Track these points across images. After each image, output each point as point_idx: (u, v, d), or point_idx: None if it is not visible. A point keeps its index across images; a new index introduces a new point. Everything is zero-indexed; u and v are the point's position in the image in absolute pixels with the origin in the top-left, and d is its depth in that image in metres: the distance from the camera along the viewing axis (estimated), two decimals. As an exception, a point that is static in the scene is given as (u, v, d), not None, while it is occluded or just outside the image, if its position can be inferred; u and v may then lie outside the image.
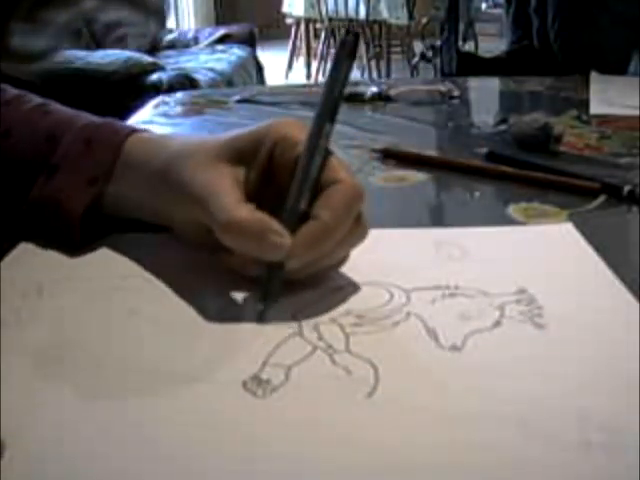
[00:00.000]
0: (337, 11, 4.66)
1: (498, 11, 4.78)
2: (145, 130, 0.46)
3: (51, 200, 0.43)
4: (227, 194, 0.37)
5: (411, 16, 4.79)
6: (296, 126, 0.40)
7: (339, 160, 0.38)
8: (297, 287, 0.38)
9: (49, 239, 0.43)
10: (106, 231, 0.44)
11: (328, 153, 0.38)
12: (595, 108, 0.81)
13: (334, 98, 0.38)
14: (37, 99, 0.49)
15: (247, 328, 0.35)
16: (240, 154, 0.39)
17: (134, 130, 0.45)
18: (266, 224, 0.35)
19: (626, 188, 0.52)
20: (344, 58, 0.38)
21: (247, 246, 0.36)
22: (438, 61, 1.52)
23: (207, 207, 0.37)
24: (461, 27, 2.00)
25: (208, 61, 3.36)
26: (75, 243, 0.43)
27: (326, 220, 0.36)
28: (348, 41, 0.38)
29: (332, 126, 0.38)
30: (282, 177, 0.38)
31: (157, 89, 2.39)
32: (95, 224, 0.44)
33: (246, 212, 0.36)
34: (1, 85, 0.49)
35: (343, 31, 4.99)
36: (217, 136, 0.41)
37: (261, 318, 0.35)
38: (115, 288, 0.39)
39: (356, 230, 0.37)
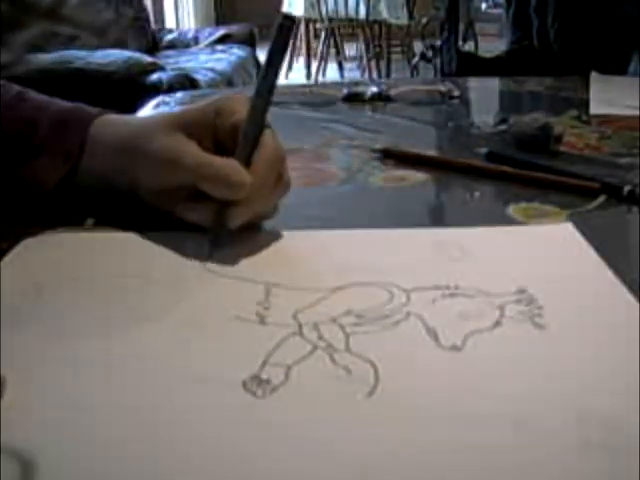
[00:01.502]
0: (337, 11, 4.66)
1: (498, 11, 4.78)
2: (111, 112, 0.51)
3: (35, 178, 0.48)
4: (193, 149, 0.44)
5: (411, 16, 4.79)
6: (235, 99, 0.46)
7: (270, 129, 0.45)
8: (298, 283, 0.38)
9: (26, 213, 0.47)
10: (80, 203, 0.49)
11: (264, 123, 0.44)
12: (595, 108, 0.81)
13: (270, 80, 0.44)
14: (15, 87, 0.54)
15: (247, 328, 0.35)
16: (190, 125, 0.45)
17: (101, 112, 0.50)
18: (230, 164, 0.42)
19: (626, 188, 0.52)
20: (281, 41, 0.43)
21: (214, 186, 0.42)
22: (438, 61, 1.52)
23: (178, 163, 0.43)
24: (461, 27, 2.00)
25: (208, 61, 3.36)
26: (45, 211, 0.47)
27: (254, 184, 0.42)
28: (286, 25, 0.43)
29: (269, 101, 0.44)
30: (225, 142, 0.45)
31: (157, 89, 2.39)
32: (69, 196, 0.48)
33: (211, 156, 0.43)
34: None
35: (343, 31, 5.00)
36: (171, 111, 0.48)
37: (210, 256, 0.41)
38: (115, 287, 0.39)
39: (280, 186, 0.45)
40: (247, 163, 0.43)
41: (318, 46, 5.03)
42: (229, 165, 0.42)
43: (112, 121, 0.50)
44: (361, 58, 5.03)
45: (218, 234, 0.43)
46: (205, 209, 0.43)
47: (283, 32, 0.43)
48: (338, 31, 4.95)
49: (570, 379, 0.31)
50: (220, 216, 0.42)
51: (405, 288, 0.38)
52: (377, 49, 4.96)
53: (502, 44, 1.68)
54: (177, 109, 0.48)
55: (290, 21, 0.43)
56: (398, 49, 5.13)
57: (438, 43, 1.67)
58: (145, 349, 0.33)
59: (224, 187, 0.42)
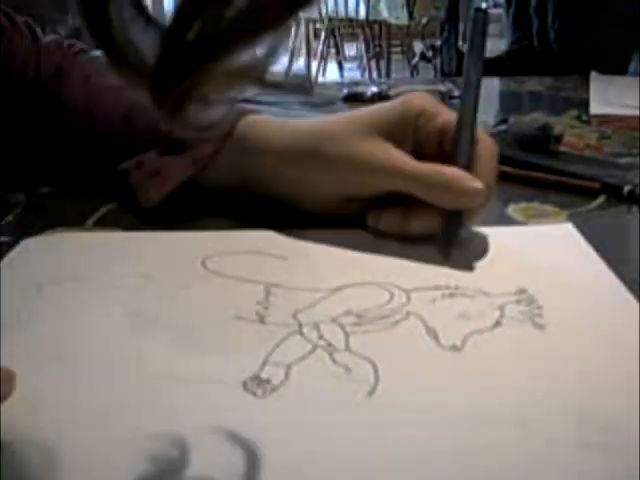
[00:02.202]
0: (337, 11, 4.66)
1: (498, 11, 4.77)
2: (250, 111, 0.49)
3: (154, 169, 0.48)
4: (404, 156, 0.42)
5: (411, 16, 4.79)
6: (429, 99, 0.44)
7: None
8: (298, 283, 0.38)
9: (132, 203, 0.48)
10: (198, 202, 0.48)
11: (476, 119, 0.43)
12: (595, 108, 0.81)
13: (477, 70, 0.43)
14: None
15: (247, 327, 0.35)
16: (390, 129, 0.43)
17: (242, 111, 0.48)
18: (459, 172, 0.40)
19: (626, 188, 0.52)
20: (480, 29, 0.42)
21: (444, 196, 0.40)
22: (438, 61, 1.52)
23: (395, 170, 0.41)
24: (461, 27, 2.00)
25: (208, 61, 3.36)
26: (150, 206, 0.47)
27: (486, 182, 0.41)
28: (479, 17, 0.42)
29: (479, 93, 0.43)
30: (427, 145, 0.43)
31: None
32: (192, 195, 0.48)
33: (433, 165, 0.41)
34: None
35: (343, 31, 5.00)
36: (355, 114, 0.44)
37: (446, 257, 0.41)
38: (115, 288, 0.39)
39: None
40: (470, 165, 0.41)
41: (318, 46, 5.03)
42: (458, 173, 0.40)
43: (268, 121, 0.48)
44: (361, 58, 5.03)
45: (453, 235, 0.42)
46: (429, 215, 0.42)
47: (479, 23, 0.42)
48: (338, 31, 4.96)
49: (570, 379, 0.31)
50: (454, 217, 0.41)
51: (405, 288, 0.38)
52: (377, 49, 4.96)
53: (502, 44, 1.68)
54: (365, 110, 0.44)
55: (483, 13, 0.42)
56: (398, 49, 5.13)
57: (438, 43, 1.67)
58: (145, 349, 0.33)
59: (459, 196, 0.40)
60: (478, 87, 0.43)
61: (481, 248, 0.43)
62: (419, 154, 0.43)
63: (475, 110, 0.43)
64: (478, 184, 0.40)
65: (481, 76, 0.43)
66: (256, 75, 0.22)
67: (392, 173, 0.42)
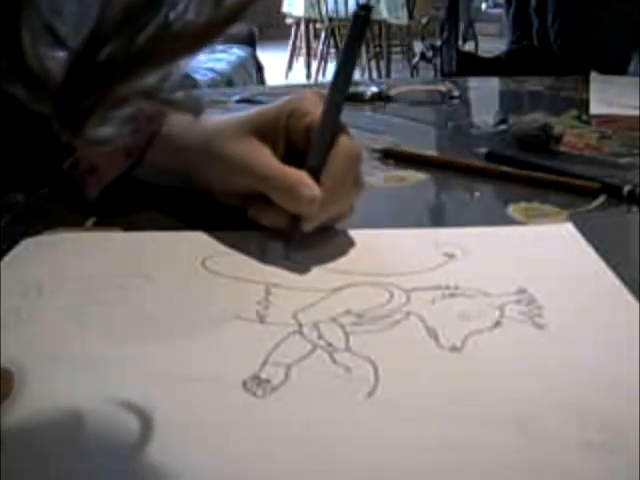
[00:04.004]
0: (337, 11, 4.66)
1: (498, 11, 4.78)
2: None
3: (91, 165, 0.49)
4: (264, 156, 0.43)
5: (411, 16, 4.79)
6: (307, 99, 0.45)
7: (341, 124, 0.43)
8: (298, 283, 0.38)
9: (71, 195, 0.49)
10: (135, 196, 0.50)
11: (339, 122, 0.43)
12: (595, 108, 0.81)
13: (346, 72, 0.42)
14: None
15: (247, 327, 0.35)
16: (264, 128, 0.44)
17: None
18: (300, 178, 0.41)
19: (626, 188, 0.52)
20: (357, 33, 0.41)
21: (283, 199, 0.41)
22: (438, 61, 1.52)
23: (248, 170, 0.43)
24: (461, 27, 1.99)
25: (208, 61, 3.36)
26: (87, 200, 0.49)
27: (329, 187, 0.41)
28: (361, 16, 0.41)
29: (345, 95, 0.43)
30: (298, 144, 0.44)
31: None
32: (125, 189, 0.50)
33: (283, 167, 0.42)
34: None
35: (343, 31, 5.00)
36: (244, 114, 0.46)
37: (287, 257, 0.41)
38: (115, 287, 0.39)
39: (356, 186, 0.43)
40: (321, 165, 0.42)
41: (318, 46, 5.03)
42: (299, 178, 0.41)
43: (188, 120, 0.49)
44: (361, 58, 5.02)
45: (293, 237, 0.42)
46: (278, 213, 0.42)
47: (359, 22, 0.41)
48: (338, 31, 4.95)
49: (570, 379, 0.31)
50: (295, 220, 0.42)
51: (405, 288, 0.38)
52: (377, 49, 4.96)
53: (502, 44, 1.68)
54: (251, 110, 0.46)
55: (366, 11, 0.41)
56: (398, 49, 5.13)
57: (438, 43, 1.67)
58: (145, 349, 0.33)
59: (294, 201, 0.41)
60: (345, 91, 0.43)
61: (477, 249, 0.43)
62: (293, 153, 0.44)
63: (338, 112, 0.42)
64: (314, 192, 0.40)
65: (350, 78, 0.42)
66: (152, 94, 0.22)
67: (247, 173, 0.43)
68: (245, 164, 0.43)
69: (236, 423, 0.28)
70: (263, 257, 0.42)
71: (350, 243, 0.44)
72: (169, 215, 0.49)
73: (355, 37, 0.41)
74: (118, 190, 0.49)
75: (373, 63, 4.91)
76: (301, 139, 0.44)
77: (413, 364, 0.32)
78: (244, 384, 0.30)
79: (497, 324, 0.35)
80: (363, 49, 4.86)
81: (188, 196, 0.50)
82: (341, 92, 0.42)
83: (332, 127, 0.42)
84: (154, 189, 0.51)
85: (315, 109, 0.43)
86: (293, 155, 0.44)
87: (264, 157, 0.43)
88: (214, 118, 0.49)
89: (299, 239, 0.42)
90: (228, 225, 0.46)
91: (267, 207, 0.43)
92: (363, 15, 0.40)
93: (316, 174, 0.41)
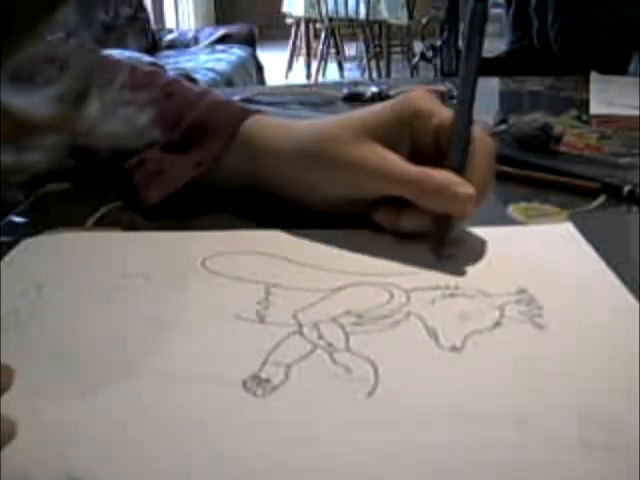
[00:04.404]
0: (337, 11, 4.66)
1: (498, 11, 4.77)
2: (255, 111, 0.50)
3: (157, 169, 0.48)
4: (398, 161, 0.42)
5: (411, 16, 4.79)
6: (425, 98, 0.44)
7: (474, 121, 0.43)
8: (298, 283, 0.38)
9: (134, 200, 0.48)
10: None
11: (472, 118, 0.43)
12: (595, 108, 0.81)
13: (473, 67, 0.43)
14: (165, 78, 0.54)
15: (247, 327, 0.35)
16: (383, 132, 0.43)
17: (247, 112, 0.49)
18: (450, 178, 0.40)
19: (626, 188, 0.52)
20: (476, 26, 0.42)
21: (435, 201, 0.40)
22: (438, 61, 1.52)
23: (386, 176, 0.41)
24: (461, 27, 1.99)
25: (208, 61, 3.36)
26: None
27: (478, 183, 0.40)
28: (478, 9, 0.41)
29: (475, 92, 0.43)
30: (425, 147, 0.43)
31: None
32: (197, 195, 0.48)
33: (425, 170, 0.41)
34: (134, 64, 0.56)
35: (343, 31, 5.00)
36: (352, 116, 0.44)
37: (440, 258, 0.41)
38: (115, 287, 0.39)
39: (492, 182, 0.43)
40: (463, 163, 0.41)
41: (318, 46, 5.03)
42: (449, 178, 0.40)
43: (271, 123, 0.48)
44: (361, 58, 5.03)
45: (446, 238, 0.41)
46: (419, 215, 0.41)
47: (477, 15, 0.41)
48: (338, 31, 4.96)
49: (570, 379, 0.31)
50: (446, 220, 0.41)
51: (405, 288, 0.38)
52: (377, 49, 4.96)
53: (502, 44, 1.68)
54: (362, 112, 0.44)
55: (482, 3, 0.41)
56: (398, 49, 5.14)
57: (438, 43, 1.67)
58: (145, 349, 0.33)
59: (448, 201, 0.40)
60: (474, 86, 0.43)
61: (477, 249, 0.43)
62: (417, 155, 0.43)
63: (470, 109, 0.42)
64: (469, 189, 0.40)
65: (477, 75, 0.43)
66: (67, 126, 0.22)
67: (383, 178, 0.42)
68: (382, 169, 0.42)
69: (236, 423, 0.28)
70: (272, 255, 0.42)
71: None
72: (238, 216, 0.48)
73: (475, 30, 0.41)
74: (183, 196, 0.48)
75: (373, 63, 4.91)
76: (429, 141, 0.43)
77: (413, 364, 0.32)
78: (244, 384, 0.30)
79: (497, 324, 0.35)
80: (363, 49, 4.87)
81: (248, 199, 0.48)
82: (470, 87, 0.43)
83: (468, 124, 0.42)
84: (222, 194, 0.49)
85: (439, 108, 0.43)
86: (417, 158, 0.43)
87: (398, 161, 0.42)
88: (297, 122, 0.48)
89: (450, 239, 0.42)
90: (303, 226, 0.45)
91: (404, 210, 0.42)
92: (481, 8, 0.41)
93: (459, 173, 0.41)
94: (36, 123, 0.21)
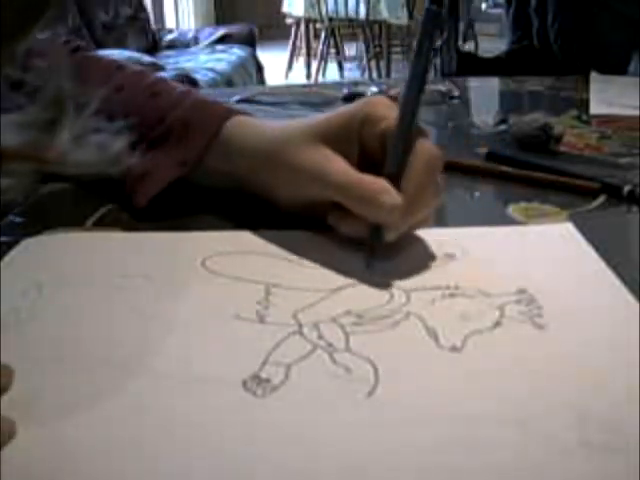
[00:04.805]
0: (337, 11, 4.66)
1: (498, 11, 4.79)
2: (238, 111, 0.50)
3: (143, 171, 0.48)
4: (340, 165, 0.42)
5: (411, 16, 4.79)
6: (380, 104, 0.43)
7: (419, 127, 0.42)
8: (298, 283, 0.38)
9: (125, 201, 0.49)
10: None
11: (415, 125, 0.41)
12: (595, 108, 0.81)
13: (420, 71, 0.41)
14: (151, 78, 0.54)
15: (247, 327, 0.35)
16: (335, 136, 0.43)
17: (230, 112, 0.50)
18: (380, 185, 0.40)
19: (626, 188, 0.52)
20: (428, 29, 0.40)
21: (363, 208, 0.40)
22: (438, 61, 1.52)
23: (324, 180, 0.41)
24: (461, 27, 1.99)
25: (208, 61, 3.37)
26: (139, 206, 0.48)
27: (411, 194, 0.40)
28: (432, 11, 0.40)
29: (420, 97, 0.41)
30: (374, 152, 0.43)
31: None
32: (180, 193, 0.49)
33: (360, 176, 0.41)
34: (122, 64, 0.56)
35: (343, 31, 5.00)
36: (310, 120, 0.45)
37: (369, 267, 0.40)
38: (115, 287, 0.39)
39: (436, 193, 0.42)
40: (400, 171, 0.40)
41: (318, 46, 5.03)
42: (379, 186, 0.39)
43: (247, 123, 0.49)
44: (361, 58, 5.03)
45: (376, 247, 0.40)
46: (358, 222, 0.41)
47: (430, 17, 0.40)
48: (338, 31, 4.96)
49: (570, 379, 0.31)
50: (377, 229, 0.40)
51: (405, 288, 0.38)
52: (377, 49, 4.96)
53: (502, 44, 1.68)
54: (319, 117, 0.45)
55: (437, 5, 0.40)
56: (398, 49, 5.14)
57: (438, 43, 1.67)
58: (145, 349, 0.33)
59: (374, 210, 0.39)
60: (420, 91, 0.41)
61: (477, 249, 0.43)
62: (367, 160, 0.43)
63: (413, 115, 0.41)
64: (395, 199, 0.39)
65: (425, 79, 0.41)
66: (38, 154, 0.22)
67: (321, 182, 0.42)
68: (319, 174, 0.42)
69: (236, 423, 0.28)
70: (272, 255, 0.42)
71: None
72: (223, 218, 0.48)
73: (427, 33, 0.40)
74: (172, 195, 0.48)
75: (373, 63, 4.91)
76: (376, 146, 0.42)
77: (413, 364, 0.32)
78: (244, 384, 0.30)
79: (497, 324, 0.35)
80: (363, 49, 4.87)
81: (240, 199, 0.49)
82: (416, 93, 0.41)
83: (409, 130, 0.41)
84: (207, 192, 0.50)
85: (390, 113, 0.42)
86: (367, 163, 0.42)
87: (339, 166, 0.42)
88: (272, 123, 0.48)
89: (381, 249, 0.40)
90: (271, 224, 0.45)
91: (347, 216, 0.41)
92: (434, 10, 0.40)
93: (395, 181, 0.40)
94: (5, 150, 0.21)
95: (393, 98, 0.45)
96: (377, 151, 0.42)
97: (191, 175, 0.48)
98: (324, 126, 0.44)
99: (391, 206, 0.39)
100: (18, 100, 0.23)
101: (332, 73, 5.08)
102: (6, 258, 0.42)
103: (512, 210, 0.50)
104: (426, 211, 0.42)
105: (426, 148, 0.41)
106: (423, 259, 0.42)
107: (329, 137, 0.43)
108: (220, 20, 6.02)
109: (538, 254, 0.43)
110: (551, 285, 0.39)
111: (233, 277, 0.40)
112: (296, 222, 0.45)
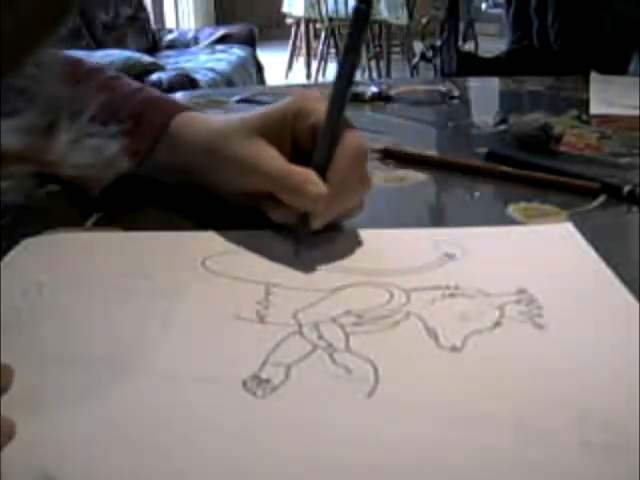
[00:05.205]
0: (337, 11, 4.66)
1: (498, 11, 4.79)
2: (189, 108, 0.53)
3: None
4: (271, 157, 0.43)
5: (411, 16, 4.79)
6: (311, 98, 0.45)
7: (347, 120, 0.43)
8: (298, 283, 0.38)
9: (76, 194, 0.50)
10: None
11: (343, 119, 0.43)
12: (595, 108, 0.81)
13: (348, 67, 0.42)
14: (107, 74, 0.56)
15: (247, 327, 0.35)
16: (269, 129, 0.45)
17: (183, 108, 0.52)
18: (306, 176, 0.41)
19: (626, 188, 0.52)
20: (358, 26, 0.41)
21: (290, 198, 0.42)
22: (438, 61, 1.52)
23: (256, 170, 0.43)
24: (461, 27, 1.99)
25: (208, 61, 3.36)
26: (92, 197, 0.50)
27: (336, 184, 0.42)
28: (361, 10, 0.40)
29: (348, 92, 0.43)
30: (304, 144, 0.44)
31: (157, 89, 2.39)
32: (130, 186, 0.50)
33: (290, 167, 0.42)
34: (81, 59, 0.58)
35: (343, 31, 5.00)
36: (248, 114, 0.47)
37: (297, 255, 0.42)
38: (115, 287, 0.39)
39: (364, 182, 0.44)
40: (327, 162, 0.42)
41: (318, 46, 5.03)
42: (305, 176, 0.41)
43: (194, 119, 0.50)
44: (361, 58, 5.02)
45: (302, 235, 0.42)
46: (287, 211, 0.42)
47: (359, 16, 0.41)
48: (338, 31, 4.95)
49: (570, 379, 0.31)
50: (304, 217, 0.42)
51: (405, 288, 0.38)
52: (377, 49, 4.96)
53: (502, 44, 1.68)
54: (257, 110, 0.47)
55: (366, 4, 0.40)
56: (398, 49, 5.13)
57: (438, 43, 1.67)
58: (145, 349, 0.33)
59: (300, 199, 0.41)
60: (348, 86, 0.42)
61: (476, 249, 0.43)
62: (299, 153, 0.44)
63: (341, 110, 0.42)
64: (320, 189, 0.41)
65: (353, 75, 0.42)
66: (36, 157, 0.22)
67: (253, 172, 0.43)
68: (253, 165, 0.43)
69: (236, 423, 0.28)
70: (270, 255, 0.42)
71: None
72: (174, 213, 0.49)
73: (356, 32, 0.41)
74: (123, 187, 0.50)
75: (373, 63, 4.91)
76: (307, 139, 0.44)
77: (413, 364, 0.32)
78: (244, 384, 0.30)
79: (497, 324, 0.35)
80: (363, 49, 4.86)
81: (193, 194, 0.50)
82: (344, 89, 0.42)
83: (336, 124, 0.42)
84: (160, 186, 0.51)
85: (320, 107, 0.44)
86: (300, 155, 0.44)
87: (271, 158, 0.43)
88: (217, 118, 0.50)
89: (308, 237, 0.42)
90: (234, 223, 0.46)
91: (277, 205, 0.43)
92: (363, 9, 0.40)
93: (322, 172, 0.42)
94: (5, 153, 0.21)
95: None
96: (308, 143, 0.44)
97: (143, 168, 0.50)
98: (260, 119, 0.46)
99: (316, 195, 0.41)
100: (17, 105, 0.24)
101: (332, 73, 5.08)
102: (6, 258, 0.42)
103: (512, 210, 0.50)
104: (353, 200, 0.44)
105: (352, 140, 0.43)
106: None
107: (265, 130, 0.45)
108: (220, 20, 6.02)
109: (538, 254, 0.43)
110: (551, 285, 0.39)
111: (233, 277, 0.40)
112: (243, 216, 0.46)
